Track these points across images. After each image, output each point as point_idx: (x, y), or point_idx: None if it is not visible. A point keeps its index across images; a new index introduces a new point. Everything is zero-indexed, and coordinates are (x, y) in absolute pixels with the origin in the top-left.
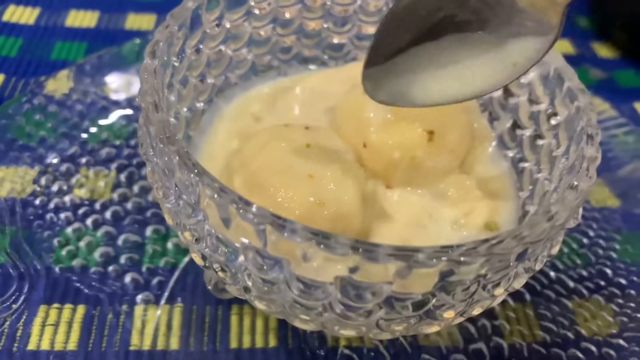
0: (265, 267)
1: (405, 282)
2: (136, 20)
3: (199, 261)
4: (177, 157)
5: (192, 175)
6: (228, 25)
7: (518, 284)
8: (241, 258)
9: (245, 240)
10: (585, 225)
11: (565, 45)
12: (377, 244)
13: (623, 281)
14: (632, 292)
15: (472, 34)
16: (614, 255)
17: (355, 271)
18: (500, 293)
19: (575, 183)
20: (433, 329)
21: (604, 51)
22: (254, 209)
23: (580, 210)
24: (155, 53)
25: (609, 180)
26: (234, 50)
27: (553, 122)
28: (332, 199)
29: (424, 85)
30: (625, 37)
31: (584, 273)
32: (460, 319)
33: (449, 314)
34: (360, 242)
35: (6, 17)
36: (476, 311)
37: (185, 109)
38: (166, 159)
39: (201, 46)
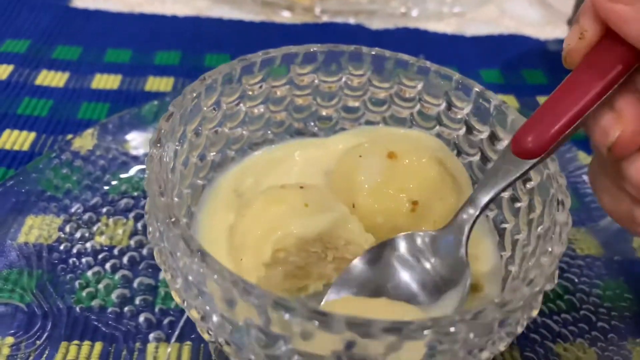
0: (268, 344)
1: (398, 354)
2: (155, 83)
3: (206, 336)
4: (182, 241)
5: (196, 259)
6: (224, 107)
7: (502, 347)
8: (245, 335)
9: (249, 319)
10: (570, 272)
11: None
12: (372, 320)
13: (606, 325)
14: (614, 336)
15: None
16: (597, 300)
17: (352, 346)
18: (486, 357)
19: (549, 249)
20: None
21: None
22: (256, 291)
23: (557, 274)
24: (161, 141)
25: (593, 230)
26: (231, 128)
27: (528, 186)
28: None
29: None
30: None
31: (569, 318)
32: None
33: None
34: (355, 318)
35: (39, 81)
36: None
37: (186, 187)
38: (172, 242)
39: (200, 128)
